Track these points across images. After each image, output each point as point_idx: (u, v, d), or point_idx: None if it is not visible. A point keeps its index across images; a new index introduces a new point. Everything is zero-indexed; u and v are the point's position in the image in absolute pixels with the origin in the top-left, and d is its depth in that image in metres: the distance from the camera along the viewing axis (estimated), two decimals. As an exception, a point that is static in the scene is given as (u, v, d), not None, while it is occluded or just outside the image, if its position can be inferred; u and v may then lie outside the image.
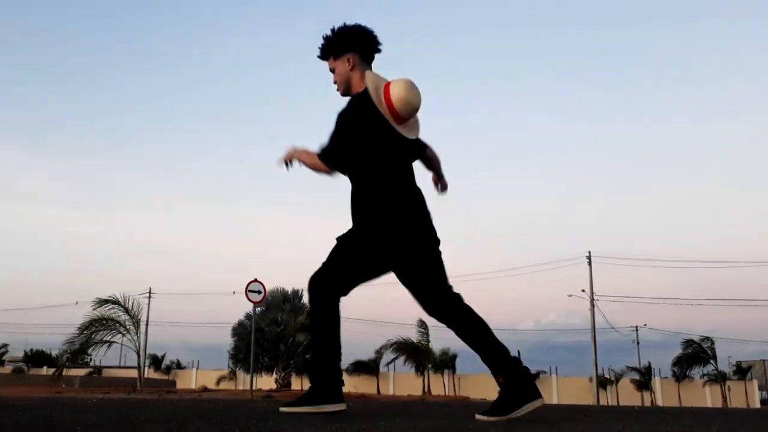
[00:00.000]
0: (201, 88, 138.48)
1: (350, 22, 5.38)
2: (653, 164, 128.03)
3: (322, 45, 5.39)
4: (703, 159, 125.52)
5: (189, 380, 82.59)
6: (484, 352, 5.06)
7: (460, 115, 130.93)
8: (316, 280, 5.27)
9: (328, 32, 5.36)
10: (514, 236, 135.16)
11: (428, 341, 64.80)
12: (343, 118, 5.18)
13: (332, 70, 5.35)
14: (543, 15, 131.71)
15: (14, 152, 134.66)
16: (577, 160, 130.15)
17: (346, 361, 54.55)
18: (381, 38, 5.39)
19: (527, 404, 4.89)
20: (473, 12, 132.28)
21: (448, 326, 5.17)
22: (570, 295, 69.25)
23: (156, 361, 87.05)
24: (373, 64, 5.40)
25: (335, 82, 5.35)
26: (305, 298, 42.77)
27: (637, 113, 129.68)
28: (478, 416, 4.98)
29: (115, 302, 34.80)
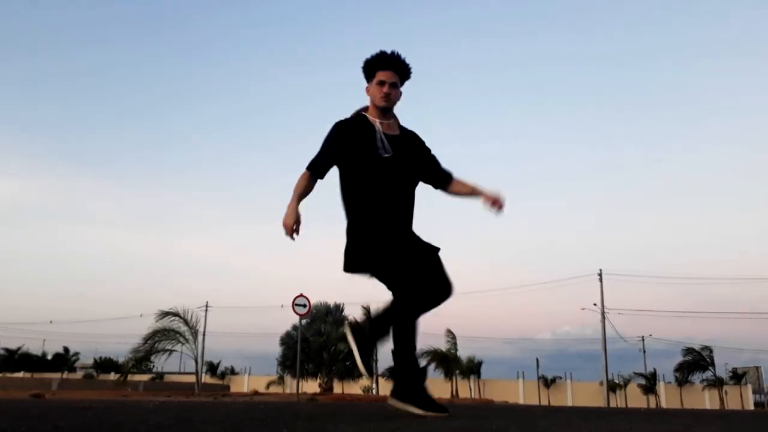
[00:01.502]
0: (252, 121, 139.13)
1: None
2: (658, 190, 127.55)
3: (408, 67, 5.38)
4: (694, 185, 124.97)
5: (242, 385, 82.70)
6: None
7: (482, 144, 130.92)
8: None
9: (408, 61, 5.37)
10: (533, 255, 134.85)
11: (456, 350, 64.73)
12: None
13: (394, 85, 5.28)
14: (560, 48, 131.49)
15: (87, 180, 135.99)
16: (591, 187, 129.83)
17: (381, 367, 54.75)
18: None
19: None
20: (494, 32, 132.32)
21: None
22: (583, 309, 69.22)
23: (212, 368, 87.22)
24: None
25: (391, 95, 5.28)
26: (346, 311, 42.95)
27: (643, 139, 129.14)
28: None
29: (176, 314, 34.97)
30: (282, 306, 63.38)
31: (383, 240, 5.04)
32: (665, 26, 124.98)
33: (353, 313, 53.64)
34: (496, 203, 5.37)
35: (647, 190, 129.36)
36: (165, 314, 34.90)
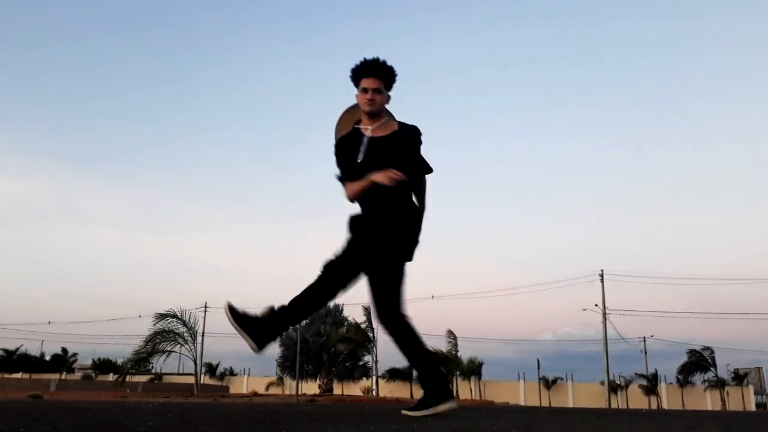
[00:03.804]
0: (251, 121, 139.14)
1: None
2: (660, 190, 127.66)
3: (390, 71, 5.62)
4: (695, 185, 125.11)
5: (241, 386, 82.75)
6: (417, 366, 5.36)
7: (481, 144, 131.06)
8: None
9: (390, 65, 5.60)
10: (534, 256, 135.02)
11: (457, 351, 64.76)
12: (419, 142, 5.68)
13: (377, 91, 5.54)
14: (565, 45, 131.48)
15: (85, 180, 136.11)
16: (592, 187, 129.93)
17: (381, 368, 54.83)
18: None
19: (442, 405, 5.18)
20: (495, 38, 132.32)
21: (391, 336, 5.39)
22: (584, 310, 69.41)
23: (211, 369, 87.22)
24: None
25: (375, 100, 5.54)
26: (345, 312, 43.13)
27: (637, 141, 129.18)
28: (403, 412, 5.28)
29: (174, 316, 35.06)
30: (281, 307, 63.32)
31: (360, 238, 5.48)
32: (670, 21, 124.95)
33: (353, 313, 53.74)
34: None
35: (649, 191, 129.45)
36: (163, 316, 35.02)
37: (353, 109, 5.88)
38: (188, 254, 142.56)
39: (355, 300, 62.01)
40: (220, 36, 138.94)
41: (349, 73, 5.65)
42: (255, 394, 40.02)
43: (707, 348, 72.91)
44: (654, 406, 70.47)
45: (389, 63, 5.60)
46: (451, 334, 64.08)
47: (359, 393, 55.17)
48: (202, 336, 68.22)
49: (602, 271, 66.48)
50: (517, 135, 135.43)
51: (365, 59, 5.58)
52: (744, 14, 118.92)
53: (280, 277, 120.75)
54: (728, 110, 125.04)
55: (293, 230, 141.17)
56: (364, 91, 5.55)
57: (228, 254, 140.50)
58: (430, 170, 5.68)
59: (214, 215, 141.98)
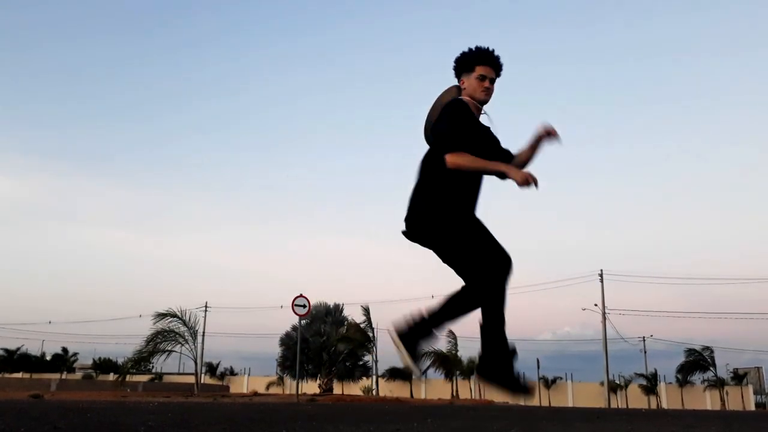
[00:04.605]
0: (249, 119, 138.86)
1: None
2: (659, 190, 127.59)
3: (502, 67, 5.42)
4: (695, 185, 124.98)
5: (241, 385, 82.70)
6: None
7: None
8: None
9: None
10: (533, 255, 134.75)
11: (457, 350, 64.68)
12: None
13: (493, 82, 5.35)
14: (566, 45, 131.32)
15: (85, 179, 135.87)
16: (592, 187, 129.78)
17: (381, 368, 54.48)
18: None
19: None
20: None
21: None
22: (584, 309, 69.42)
23: (211, 369, 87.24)
24: None
25: (490, 89, 5.33)
26: (345, 311, 43.04)
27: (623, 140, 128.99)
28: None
29: (173, 315, 35.03)
30: (282, 306, 63.49)
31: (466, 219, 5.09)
32: (674, 18, 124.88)
33: (353, 313, 53.67)
34: (550, 134, 5.45)
35: (649, 190, 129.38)
36: (162, 315, 34.99)
37: (451, 92, 5.54)
38: (188, 254, 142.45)
39: (355, 300, 62.13)
40: (220, 35, 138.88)
41: (460, 56, 5.39)
42: (255, 393, 40.00)
43: (707, 348, 72.97)
44: (653, 406, 70.45)
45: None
46: (451, 334, 64.03)
47: (359, 393, 55.12)
48: (203, 336, 68.43)
49: (602, 270, 66.55)
50: (516, 133, 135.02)
51: (485, 47, 5.35)
52: (744, 11, 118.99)
53: (280, 277, 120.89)
54: (729, 110, 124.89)
55: (294, 230, 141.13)
56: (482, 78, 5.29)
57: (228, 254, 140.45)
58: None
59: (214, 215, 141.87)
